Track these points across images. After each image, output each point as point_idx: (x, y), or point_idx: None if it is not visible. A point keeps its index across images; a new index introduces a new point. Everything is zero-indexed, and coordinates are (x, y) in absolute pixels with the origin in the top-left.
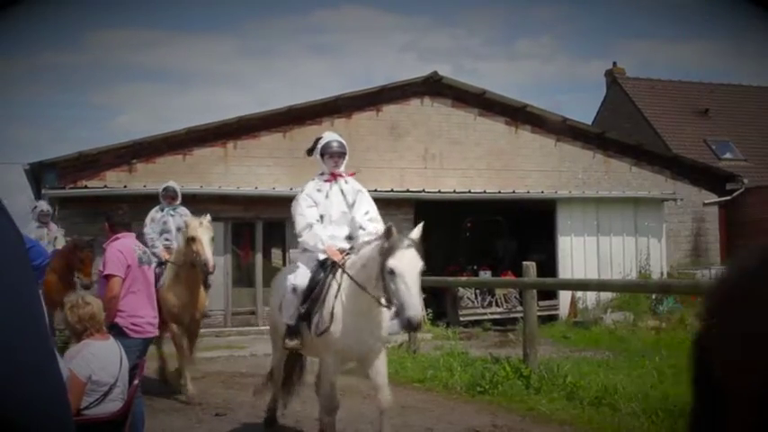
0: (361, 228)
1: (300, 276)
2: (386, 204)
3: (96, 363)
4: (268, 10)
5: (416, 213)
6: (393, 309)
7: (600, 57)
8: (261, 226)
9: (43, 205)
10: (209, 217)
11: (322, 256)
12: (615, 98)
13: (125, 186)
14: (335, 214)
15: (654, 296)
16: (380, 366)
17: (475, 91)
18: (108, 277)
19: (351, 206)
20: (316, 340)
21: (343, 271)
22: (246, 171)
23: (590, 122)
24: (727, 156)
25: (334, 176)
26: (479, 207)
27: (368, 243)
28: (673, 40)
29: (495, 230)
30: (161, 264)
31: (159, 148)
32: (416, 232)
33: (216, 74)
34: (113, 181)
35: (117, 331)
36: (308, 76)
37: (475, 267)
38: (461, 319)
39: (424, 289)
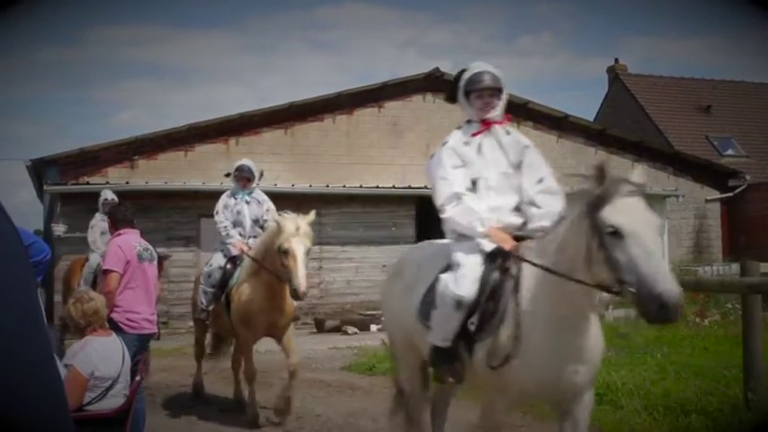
0: (532, 204)
1: (467, 282)
2: (387, 201)
3: (99, 359)
4: (270, 7)
5: (418, 210)
6: (631, 293)
7: (602, 53)
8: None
9: (108, 194)
10: (310, 217)
11: (487, 246)
12: (617, 95)
13: (127, 182)
14: (494, 177)
15: None
16: (581, 413)
17: None
18: (105, 272)
19: (515, 167)
20: (485, 374)
21: (526, 262)
22: None
23: (592, 119)
24: (730, 152)
25: (486, 125)
26: None
27: (545, 229)
28: (675, 36)
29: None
30: (233, 259)
31: (161, 145)
32: (638, 173)
33: (218, 70)
34: (115, 177)
35: (112, 326)
36: (309, 72)
37: None
38: None
39: None
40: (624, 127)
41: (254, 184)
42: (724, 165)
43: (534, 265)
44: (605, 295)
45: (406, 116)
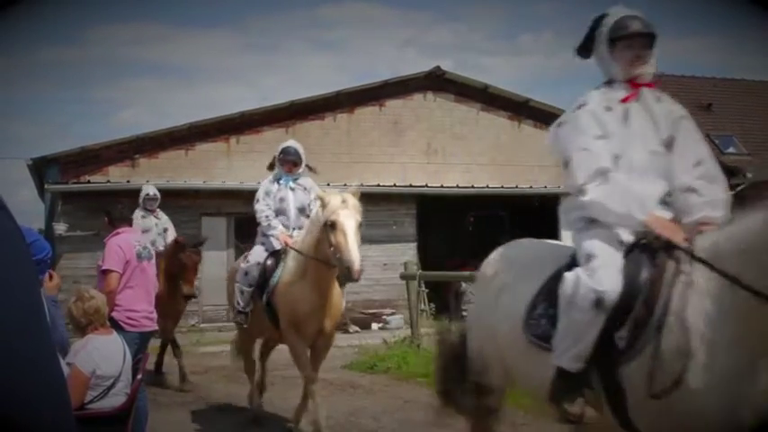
0: (690, 191)
1: (609, 274)
2: (388, 199)
3: (100, 357)
4: (271, 5)
5: (419, 208)
6: None
7: None
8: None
9: (150, 189)
10: (357, 191)
11: (628, 236)
12: None
13: (128, 181)
14: (640, 157)
15: None
16: None
17: (477, 86)
18: (106, 272)
19: (667, 144)
20: (640, 407)
21: (704, 264)
22: (249, 166)
23: None
24: (731, 150)
25: (636, 87)
26: (482, 202)
27: (714, 221)
28: (675, 34)
29: (498, 225)
30: (275, 253)
31: (162, 143)
32: None
33: (218, 69)
34: (116, 176)
35: (113, 325)
36: (310, 71)
37: (478, 262)
38: (464, 313)
39: (427, 284)
40: None
41: (300, 169)
42: (725, 163)
43: (720, 273)
44: None
45: (406, 115)
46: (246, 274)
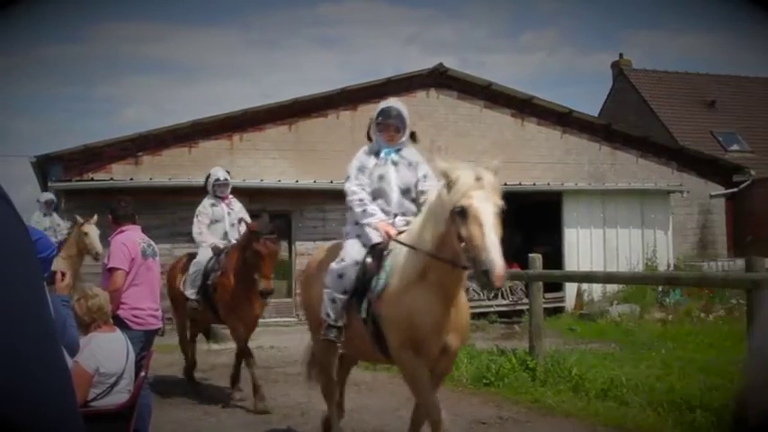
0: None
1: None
2: None
3: (103, 355)
4: (273, 3)
5: None
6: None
7: (606, 48)
8: (266, 218)
9: (220, 173)
10: (494, 164)
11: None
12: (621, 90)
13: (131, 179)
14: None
15: (660, 288)
16: None
17: (481, 83)
18: (111, 270)
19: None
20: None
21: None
22: (252, 163)
23: (596, 114)
24: (734, 147)
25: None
26: None
27: None
28: (679, 31)
29: (501, 222)
30: (374, 248)
31: (165, 141)
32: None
33: (221, 66)
34: (119, 173)
35: (118, 323)
36: (313, 68)
37: None
38: None
39: None
40: (628, 122)
41: (404, 137)
42: (729, 160)
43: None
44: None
45: (410, 112)
46: (340, 276)
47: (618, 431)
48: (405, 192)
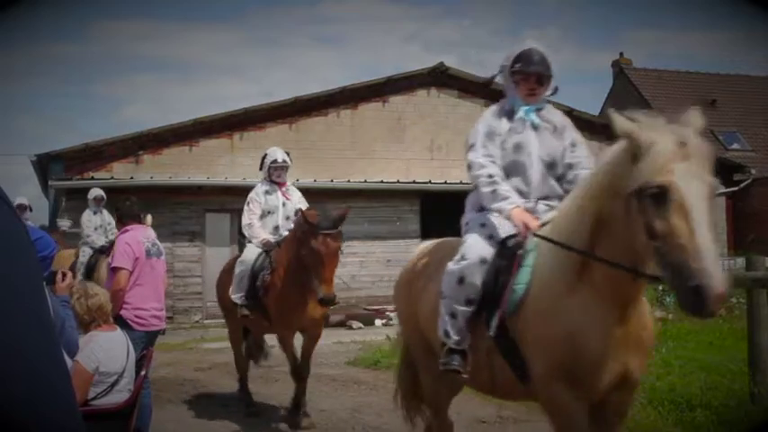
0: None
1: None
2: (392, 195)
3: (104, 354)
4: (274, 1)
5: (422, 205)
6: None
7: (607, 47)
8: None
9: (278, 153)
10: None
11: None
12: (622, 89)
13: (131, 178)
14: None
15: (661, 287)
16: None
17: (481, 81)
18: (115, 270)
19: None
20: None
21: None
22: (252, 162)
23: (597, 113)
24: (735, 146)
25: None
26: None
27: None
28: (680, 30)
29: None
30: (505, 244)
31: (166, 140)
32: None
33: (222, 65)
34: (120, 172)
35: (121, 324)
36: (314, 67)
37: None
38: None
39: None
40: None
41: (547, 92)
42: (729, 159)
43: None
44: None
45: (410, 111)
46: (461, 281)
47: None
48: (550, 166)
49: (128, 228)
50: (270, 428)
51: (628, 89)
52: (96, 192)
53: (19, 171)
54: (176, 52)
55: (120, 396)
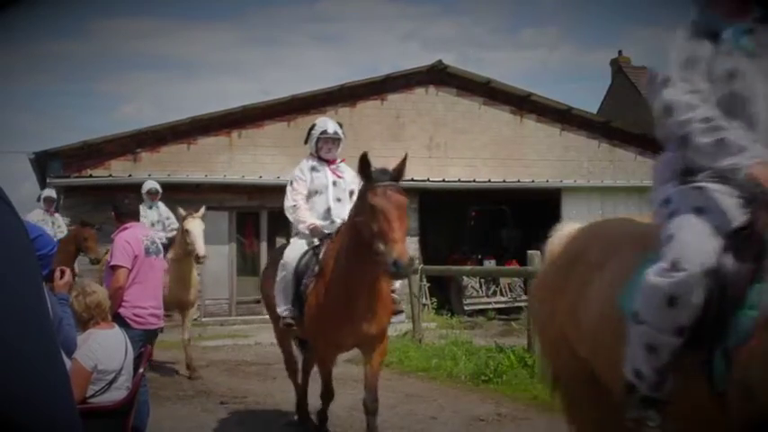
0: None
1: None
2: None
3: (102, 352)
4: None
5: (421, 202)
6: None
7: (605, 46)
8: (265, 215)
9: (329, 124)
10: None
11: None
12: (620, 87)
13: (130, 175)
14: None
15: None
16: None
17: (480, 80)
18: (114, 268)
19: None
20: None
21: None
22: (251, 160)
23: (595, 111)
24: None
25: None
26: (484, 196)
27: None
28: (678, 28)
29: (500, 219)
30: (740, 234)
31: (164, 137)
32: None
33: (220, 63)
34: (118, 170)
35: (119, 322)
36: (312, 65)
37: (479, 256)
38: (466, 308)
39: (429, 278)
40: (627, 119)
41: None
42: None
43: None
44: None
45: (408, 109)
46: (673, 303)
47: None
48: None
49: (126, 226)
50: (267, 426)
51: (626, 87)
52: (150, 185)
53: (17, 168)
54: (175, 50)
55: (118, 394)
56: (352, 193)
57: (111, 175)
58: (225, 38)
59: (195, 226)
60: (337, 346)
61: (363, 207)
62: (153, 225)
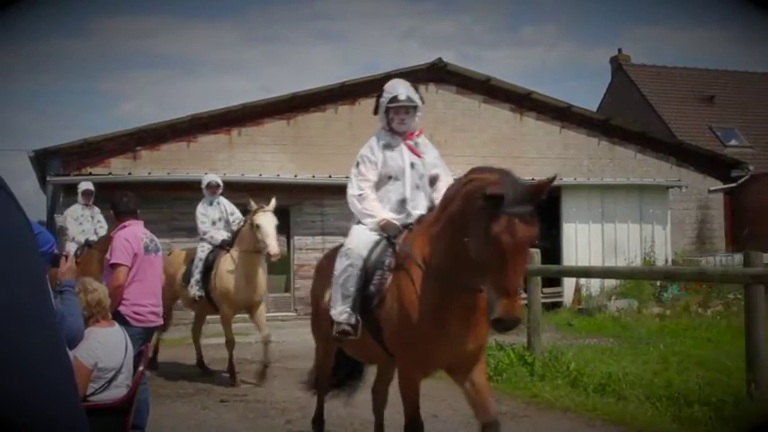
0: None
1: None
2: None
3: (102, 350)
4: None
5: None
6: None
7: (605, 43)
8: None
9: (400, 87)
10: None
11: None
12: (620, 85)
13: (129, 173)
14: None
15: (658, 283)
16: None
17: (480, 78)
18: (114, 266)
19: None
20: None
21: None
22: (251, 158)
23: (595, 109)
24: (733, 143)
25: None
26: None
27: None
28: (678, 26)
29: None
30: None
31: (164, 135)
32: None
33: (221, 61)
34: (118, 168)
35: (119, 320)
36: (312, 62)
37: None
38: None
39: None
40: (627, 117)
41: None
42: (727, 155)
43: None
44: None
45: None
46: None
47: (616, 426)
48: None
49: (125, 224)
50: (268, 426)
51: (626, 85)
52: (209, 178)
53: (17, 166)
54: (175, 48)
55: (117, 391)
56: (434, 179)
57: (110, 174)
58: (225, 36)
59: (267, 220)
60: (429, 366)
61: (480, 232)
62: (214, 224)
